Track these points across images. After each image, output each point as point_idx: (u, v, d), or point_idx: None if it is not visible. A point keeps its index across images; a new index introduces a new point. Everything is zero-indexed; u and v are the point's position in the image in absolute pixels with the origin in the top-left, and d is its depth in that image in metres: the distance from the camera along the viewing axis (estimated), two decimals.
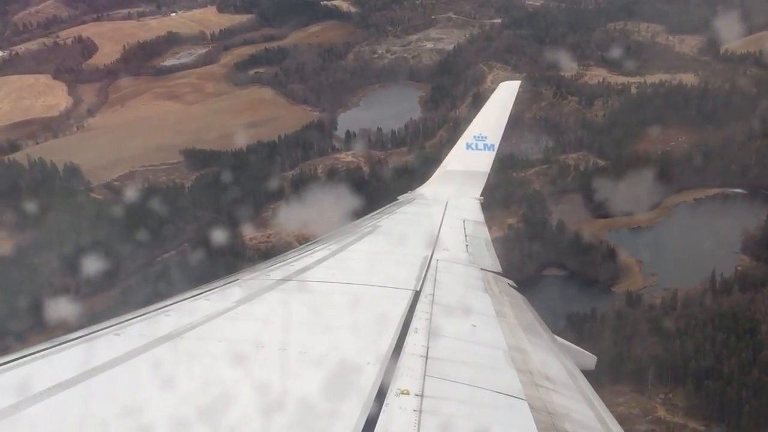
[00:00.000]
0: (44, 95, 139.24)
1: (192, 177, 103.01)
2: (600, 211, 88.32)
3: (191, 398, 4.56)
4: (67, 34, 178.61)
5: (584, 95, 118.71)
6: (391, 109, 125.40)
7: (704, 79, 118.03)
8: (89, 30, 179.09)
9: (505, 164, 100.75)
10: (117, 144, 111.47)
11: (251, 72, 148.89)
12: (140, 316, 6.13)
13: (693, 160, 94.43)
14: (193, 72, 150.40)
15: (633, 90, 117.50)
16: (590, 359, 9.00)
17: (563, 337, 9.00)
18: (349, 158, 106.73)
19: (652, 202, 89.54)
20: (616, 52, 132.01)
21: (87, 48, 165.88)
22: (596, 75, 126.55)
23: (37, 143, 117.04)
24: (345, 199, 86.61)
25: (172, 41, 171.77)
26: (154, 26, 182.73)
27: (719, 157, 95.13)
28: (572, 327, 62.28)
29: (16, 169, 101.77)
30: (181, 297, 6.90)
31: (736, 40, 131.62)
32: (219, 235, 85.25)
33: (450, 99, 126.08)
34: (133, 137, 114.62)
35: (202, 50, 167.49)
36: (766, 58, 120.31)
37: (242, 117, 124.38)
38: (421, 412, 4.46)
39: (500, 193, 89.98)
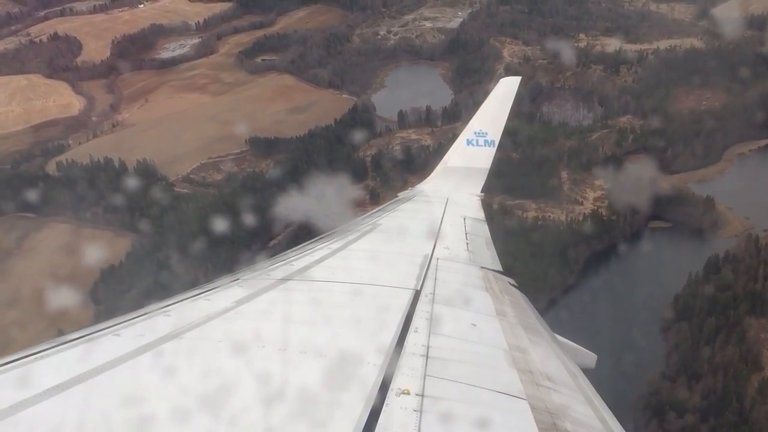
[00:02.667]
0: (50, 95, 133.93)
1: (261, 164, 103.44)
2: (669, 168, 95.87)
3: (192, 398, 4.58)
4: (38, 31, 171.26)
5: (606, 63, 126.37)
6: (419, 88, 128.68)
7: (709, 43, 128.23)
8: (61, 26, 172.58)
9: (568, 131, 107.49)
10: (168, 138, 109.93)
11: (259, 60, 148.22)
12: (140, 316, 6.19)
13: (734, 116, 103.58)
14: (199, 63, 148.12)
15: (650, 56, 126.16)
16: (590, 358, 9.20)
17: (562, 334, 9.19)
18: (413, 135, 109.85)
19: (713, 156, 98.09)
20: (618, 22, 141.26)
21: (71, 45, 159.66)
22: (607, 44, 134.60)
23: (79, 143, 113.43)
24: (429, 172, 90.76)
25: (158, 33, 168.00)
26: (129, 19, 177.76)
27: (754, 112, 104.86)
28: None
29: (83, 169, 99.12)
30: (181, 297, 6.96)
31: (721, 4, 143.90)
32: (321, 217, 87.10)
33: (475, 74, 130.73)
34: (181, 130, 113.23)
35: (193, 41, 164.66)
36: (757, 21, 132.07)
37: (278, 104, 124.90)
38: (421, 411, 4.52)
39: (582, 159, 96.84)
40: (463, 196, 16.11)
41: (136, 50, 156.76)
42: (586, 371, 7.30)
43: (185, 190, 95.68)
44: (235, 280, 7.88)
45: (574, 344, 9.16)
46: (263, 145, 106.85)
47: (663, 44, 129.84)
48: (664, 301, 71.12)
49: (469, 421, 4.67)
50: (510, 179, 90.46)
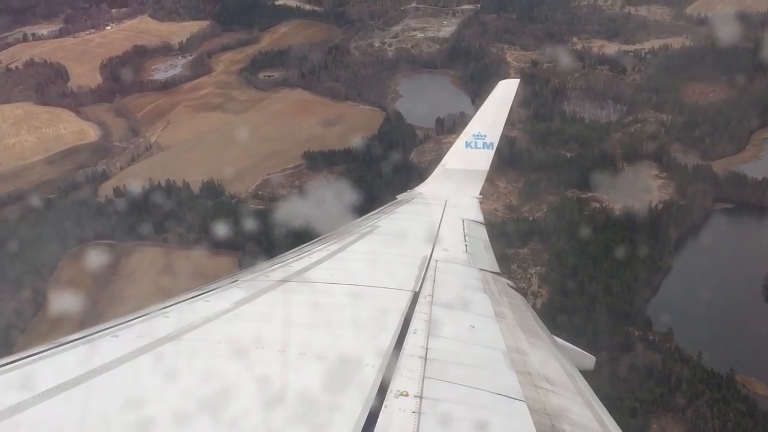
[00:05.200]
0: (57, 123, 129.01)
1: (320, 177, 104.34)
2: (708, 155, 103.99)
3: (191, 399, 4.60)
4: (8, 58, 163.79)
5: (611, 64, 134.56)
6: (435, 96, 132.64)
7: (696, 41, 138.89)
8: (30, 51, 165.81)
9: (606, 128, 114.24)
10: (214, 157, 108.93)
11: (262, 76, 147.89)
12: (139, 317, 6.25)
13: (747, 105, 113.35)
14: (202, 82, 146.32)
15: (648, 55, 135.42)
16: (589, 360, 9.28)
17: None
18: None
19: (741, 142, 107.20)
20: (606, 25, 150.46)
21: (56, 70, 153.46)
22: (601, 46, 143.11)
23: (121, 168, 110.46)
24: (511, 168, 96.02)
25: (142, 54, 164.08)
26: (102, 42, 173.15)
27: (763, 100, 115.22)
28: None
29: (146, 192, 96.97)
30: (180, 298, 7.00)
31: (691, 4, 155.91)
32: None
33: (487, 80, 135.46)
34: (224, 149, 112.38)
35: (182, 61, 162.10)
36: (731, 20, 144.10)
37: (305, 119, 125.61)
38: (420, 413, 4.55)
39: (631, 152, 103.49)
40: (462, 198, 16.31)
41: (128, 73, 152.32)
42: (584, 373, 7.43)
43: (260, 206, 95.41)
44: (234, 282, 7.95)
45: (573, 346, 9.36)
46: (318, 159, 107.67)
47: (654, 44, 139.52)
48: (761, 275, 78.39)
49: (467, 422, 4.70)
50: (575, 175, 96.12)
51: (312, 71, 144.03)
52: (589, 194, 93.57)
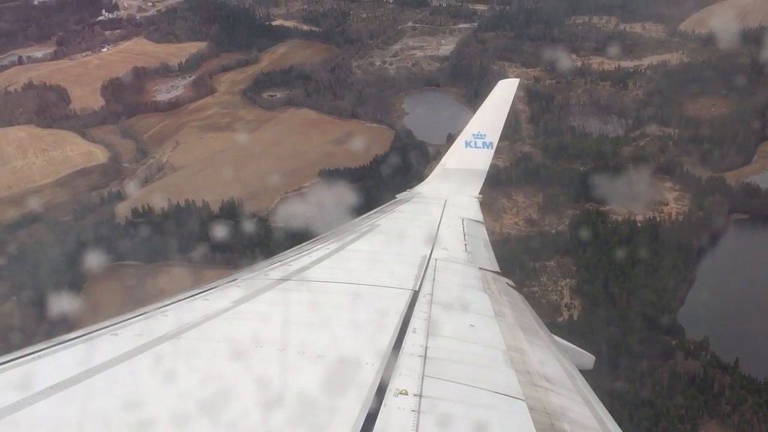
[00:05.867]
0: (63, 145, 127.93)
1: (338, 194, 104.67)
2: (717, 167, 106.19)
3: (190, 398, 4.62)
4: (4, 81, 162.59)
5: (612, 79, 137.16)
6: (439, 113, 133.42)
7: (693, 57, 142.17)
8: (27, 74, 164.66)
9: (614, 142, 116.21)
10: (228, 177, 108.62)
11: (265, 96, 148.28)
12: (139, 315, 6.30)
13: (750, 119, 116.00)
14: (206, 103, 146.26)
15: (647, 71, 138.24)
16: (588, 359, 9.25)
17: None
18: None
19: (747, 154, 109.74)
20: (602, 42, 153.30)
21: (57, 93, 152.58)
22: (600, 62, 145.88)
23: (135, 189, 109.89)
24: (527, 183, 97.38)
25: (142, 76, 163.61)
26: (100, 63, 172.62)
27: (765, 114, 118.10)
28: None
29: (166, 213, 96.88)
30: (179, 297, 7.06)
31: (683, 21, 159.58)
32: None
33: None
34: (237, 169, 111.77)
35: (182, 82, 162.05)
36: (732, 33, 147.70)
37: (314, 137, 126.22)
38: (419, 412, 4.55)
39: (643, 164, 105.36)
40: (462, 197, 16.37)
41: (130, 94, 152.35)
42: (583, 372, 7.46)
43: (281, 224, 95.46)
44: (233, 281, 7.98)
45: (573, 345, 9.33)
46: (334, 176, 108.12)
47: (652, 60, 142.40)
48: None
49: (467, 421, 4.70)
50: (591, 188, 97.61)
51: (317, 90, 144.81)
52: (607, 207, 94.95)
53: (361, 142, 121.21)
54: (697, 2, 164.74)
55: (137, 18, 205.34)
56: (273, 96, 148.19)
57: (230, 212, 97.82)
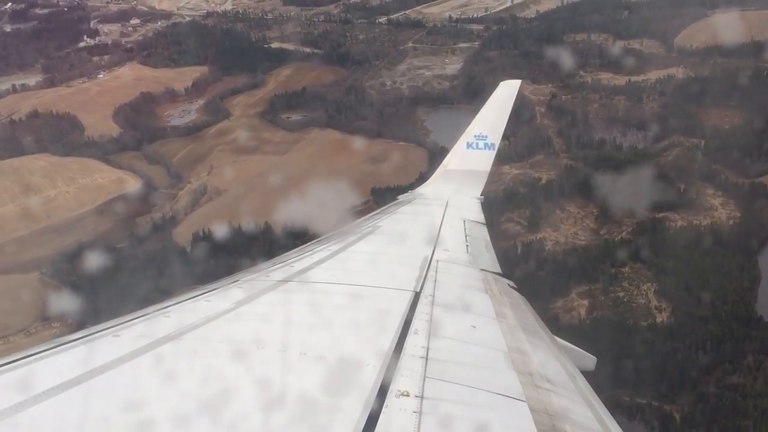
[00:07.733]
0: (91, 173, 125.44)
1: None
2: (748, 173, 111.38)
3: (191, 399, 4.64)
4: (6, 110, 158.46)
5: (626, 94, 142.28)
6: (463, 129, 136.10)
7: (696, 71, 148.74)
8: (28, 102, 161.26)
9: (647, 153, 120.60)
10: (275, 198, 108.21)
11: (284, 117, 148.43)
12: (140, 317, 6.34)
13: (765, 127, 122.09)
14: (225, 127, 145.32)
15: (658, 85, 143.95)
16: (590, 360, 9.36)
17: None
18: (513, 170, 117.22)
19: None
20: (606, 59, 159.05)
21: (68, 120, 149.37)
22: (608, 78, 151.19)
23: (185, 214, 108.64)
24: (577, 194, 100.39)
25: (150, 101, 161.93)
26: (102, 90, 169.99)
27: None
28: None
29: (229, 238, 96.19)
30: (181, 298, 7.16)
31: (677, 36, 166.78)
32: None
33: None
34: (281, 190, 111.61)
35: (193, 106, 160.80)
36: (724, 47, 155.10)
37: (348, 157, 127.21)
38: (421, 413, 4.56)
39: (684, 173, 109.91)
40: (464, 199, 16.56)
41: (144, 120, 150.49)
42: (585, 373, 7.50)
43: None
44: (234, 282, 8.07)
45: (574, 346, 9.36)
46: (386, 194, 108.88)
47: (658, 74, 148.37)
48: None
49: (468, 422, 4.75)
50: (642, 197, 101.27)
51: (338, 111, 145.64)
52: (662, 214, 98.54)
53: (398, 160, 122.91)
54: (685, 18, 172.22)
55: (124, 43, 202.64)
56: (290, 118, 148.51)
57: (292, 233, 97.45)
